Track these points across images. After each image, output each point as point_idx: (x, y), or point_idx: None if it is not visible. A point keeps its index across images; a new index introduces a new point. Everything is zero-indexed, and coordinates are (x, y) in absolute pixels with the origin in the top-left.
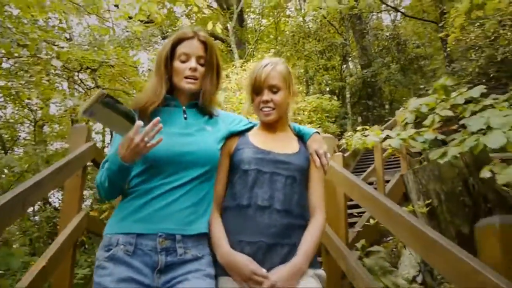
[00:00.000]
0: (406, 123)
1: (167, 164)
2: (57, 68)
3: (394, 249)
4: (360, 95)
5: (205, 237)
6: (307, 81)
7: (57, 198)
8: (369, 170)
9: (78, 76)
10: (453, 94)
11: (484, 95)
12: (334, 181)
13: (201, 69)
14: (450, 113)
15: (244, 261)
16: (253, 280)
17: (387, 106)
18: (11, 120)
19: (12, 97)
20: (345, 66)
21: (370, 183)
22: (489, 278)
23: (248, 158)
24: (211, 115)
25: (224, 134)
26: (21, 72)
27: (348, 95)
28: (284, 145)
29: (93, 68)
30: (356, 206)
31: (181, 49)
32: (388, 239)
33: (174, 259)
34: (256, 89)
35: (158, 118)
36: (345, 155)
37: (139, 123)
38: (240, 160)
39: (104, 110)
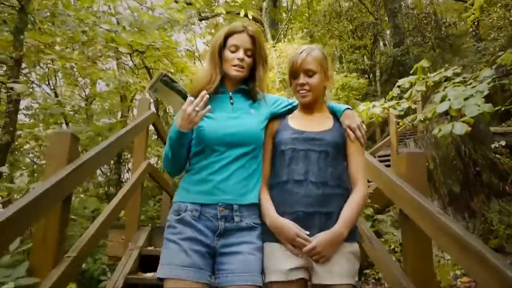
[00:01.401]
0: (392, 96)
1: (217, 144)
2: (114, 50)
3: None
4: (391, 73)
5: (257, 207)
6: (339, 58)
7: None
8: (383, 141)
9: (131, 57)
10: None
11: (457, 74)
12: None
13: (248, 59)
14: (424, 88)
15: (289, 225)
16: (297, 242)
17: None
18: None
19: (68, 75)
20: (376, 45)
21: (387, 155)
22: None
23: (285, 139)
24: (254, 99)
25: (267, 116)
26: (81, 54)
27: (378, 74)
28: (319, 123)
29: (141, 50)
30: None
31: (231, 41)
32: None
33: (231, 225)
34: (293, 73)
35: (205, 91)
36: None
37: (190, 98)
38: (279, 141)
39: (164, 88)
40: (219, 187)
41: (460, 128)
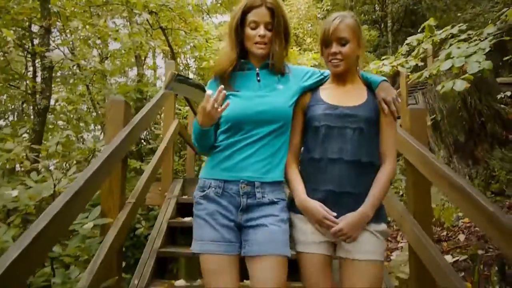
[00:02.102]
0: (402, 54)
1: (245, 122)
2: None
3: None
4: (402, 23)
5: (281, 184)
6: (350, 9)
7: None
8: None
9: (146, 19)
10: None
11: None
12: None
13: (269, 34)
14: (430, 46)
15: (317, 207)
16: (324, 223)
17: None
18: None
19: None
20: None
21: None
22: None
23: (318, 116)
24: (282, 74)
25: (296, 91)
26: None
27: (389, 24)
28: (352, 97)
29: (155, 11)
30: None
31: (250, 17)
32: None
33: (253, 201)
34: (325, 41)
35: (222, 86)
36: None
37: (208, 92)
38: (312, 117)
39: (179, 85)
40: (241, 164)
41: (460, 85)
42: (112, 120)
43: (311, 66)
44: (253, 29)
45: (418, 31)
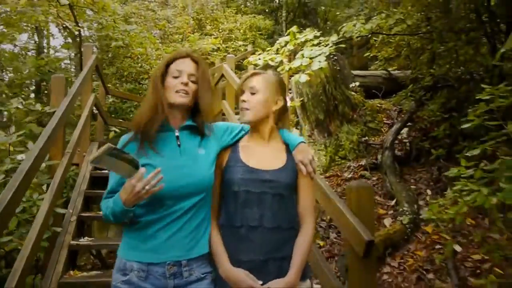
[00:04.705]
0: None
1: (166, 198)
2: None
3: None
4: (296, 14)
5: (206, 257)
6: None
7: None
8: None
9: None
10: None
11: None
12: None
13: (192, 85)
14: (293, 47)
15: (242, 277)
16: None
17: (321, 25)
18: None
19: None
20: None
21: None
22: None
23: (237, 180)
24: (203, 135)
25: (217, 152)
26: None
27: (284, 13)
28: (272, 159)
29: None
30: None
31: (174, 67)
32: None
33: (181, 282)
34: (239, 91)
35: (159, 169)
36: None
37: (142, 170)
38: (230, 180)
39: (111, 159)
40: (166, 244)
41: (303, 78)
42: (55, 91)
43: (210, 51)
44: (176, 77)
45: (286, 34)
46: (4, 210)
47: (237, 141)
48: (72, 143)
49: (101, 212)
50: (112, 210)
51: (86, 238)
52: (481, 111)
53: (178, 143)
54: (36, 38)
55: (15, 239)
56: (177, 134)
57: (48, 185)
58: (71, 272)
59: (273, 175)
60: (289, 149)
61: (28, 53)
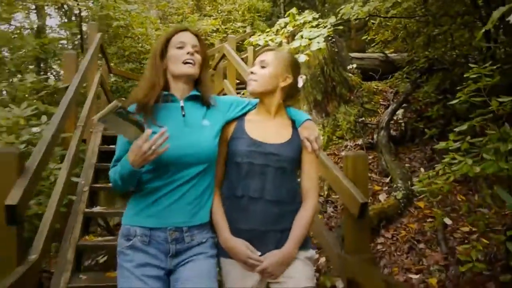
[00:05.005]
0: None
1: (170, 165)
2: None
3: None
4: None
5: (208, 224)
6: None
7: None
8: None
9: None
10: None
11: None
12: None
13: (197, 56)
14: (292, 28)
15: (241, 246)
16: (248, 263)
17: (319, 8)
18: None
19: None
20: None
21: None
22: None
23: (241, 151)
24: (208, 106)
25: (222, 124)
26: None
27: None
28: (277, 133)
29: None
30: None
31: (176, 39)
32: None
33: (182, 246)
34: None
35: (165, 128)
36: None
37: (148, 131)
38: (235, 152)
39: (117, 119)
40: (168, 210)
41: (302, 57)
42: (67, 68)
43: (210, 32)
44: (180, 48)
45: (285, 16)
46: (34, 173)
47: (244, 114)
48: (83, 117)
49: (110, 184)
50: (120, 173)
51: (98, 207)
52: (469, 90)
53: (183, 113)
54: (31, 17)
55: (33, 205)
56: (182, 104)
57: (62, 157)
58: (86, 237)
59: (277, 148)
60: (295, 125)
61: (24, 32)
